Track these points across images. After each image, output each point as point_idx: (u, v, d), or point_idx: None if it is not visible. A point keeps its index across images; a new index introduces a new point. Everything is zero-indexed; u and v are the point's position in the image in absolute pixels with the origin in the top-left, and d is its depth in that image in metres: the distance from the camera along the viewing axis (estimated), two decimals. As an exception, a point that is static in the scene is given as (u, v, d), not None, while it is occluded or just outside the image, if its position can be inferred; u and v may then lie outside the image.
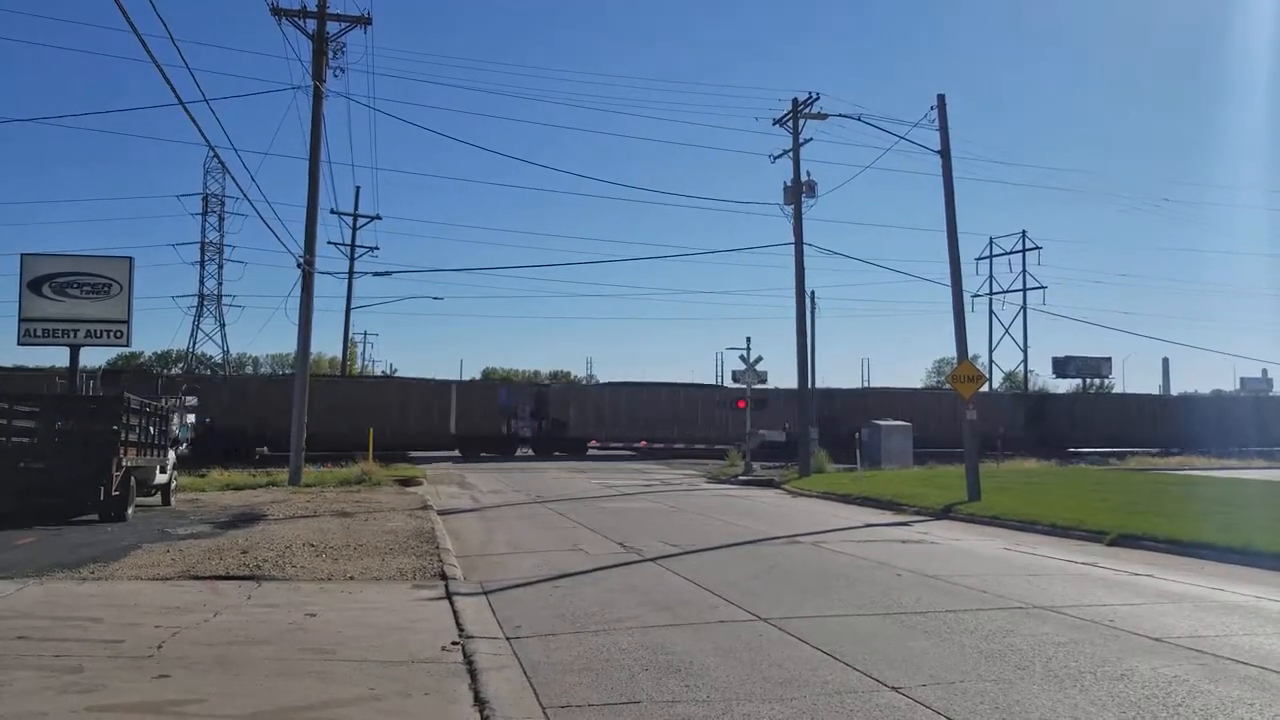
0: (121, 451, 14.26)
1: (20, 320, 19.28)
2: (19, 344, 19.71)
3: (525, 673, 6.20)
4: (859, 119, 25.03)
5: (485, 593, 9.19)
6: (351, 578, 9.50)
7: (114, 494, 14.00)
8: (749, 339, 31.82)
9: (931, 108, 22.46)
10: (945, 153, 22.44)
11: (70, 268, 19.68)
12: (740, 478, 28.75)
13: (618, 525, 15.43)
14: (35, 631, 6.83)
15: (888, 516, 18.10)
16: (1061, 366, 56.64)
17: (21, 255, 19.46)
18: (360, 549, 11.42)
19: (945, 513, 18.14)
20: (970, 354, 23.30)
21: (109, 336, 19.97)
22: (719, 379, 70.03)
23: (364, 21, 23.76)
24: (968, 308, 23.24)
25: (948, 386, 29.72)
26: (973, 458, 20.30)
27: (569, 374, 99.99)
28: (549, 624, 7.79)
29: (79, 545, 11.52)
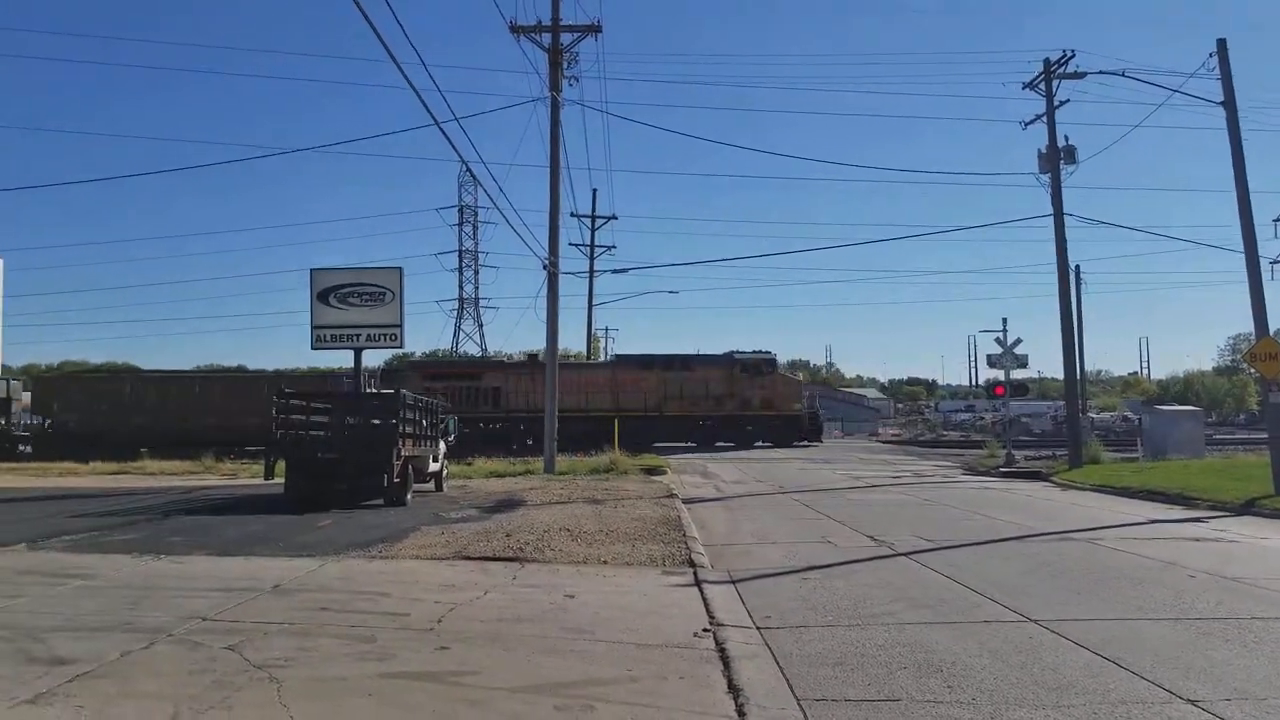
0: (400, 443, 15.72)
1: (313, 328, 21.79)
2: (312, 348, 22.29)
3: (777, 663, 6.20)
4: (1123, 74, 22.88)
5: (733, 581, 9.27)
6: (605, 562, 9.91)
7: (395, 481, 15.47)
8: (1005, 320, 29.77)
9: (1210, 54, 20.06)
10: (1229, 104, 19.96)
11: (351, 279, 21.96)
12: (1000, 469, 27.13)
13: (866, 517, 15.05)
14: (335, 604, 7.68)
15: (1176, 512, 16.40)
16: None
17: (311, 270, 21.99)
18: (612, 535, 11.89)
19: (1247, 508, 16.17)
20: (1273, 328, 20.56)
21: (385, 339, 22.18)
22: (972, 365, 66.43)
23: (595, 30, 24.65)
24: (1266, 275, 20.52)
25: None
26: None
27: (808, 363, 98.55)
28: (799, 615, 7.73)
29: (368, 527, 12.84)
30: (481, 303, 79.61)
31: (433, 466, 18.57)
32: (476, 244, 78.13)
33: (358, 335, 21.90)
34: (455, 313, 78.97)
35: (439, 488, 18.96)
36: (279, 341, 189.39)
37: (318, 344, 22.40)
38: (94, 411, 33.71)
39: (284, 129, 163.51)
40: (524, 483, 20.53)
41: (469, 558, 10.12)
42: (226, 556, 10.33)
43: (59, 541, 11.60)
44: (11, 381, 34.93)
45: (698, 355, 36.33)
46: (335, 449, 16.36)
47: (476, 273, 78.96)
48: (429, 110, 15.19)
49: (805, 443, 36.85)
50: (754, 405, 34.68)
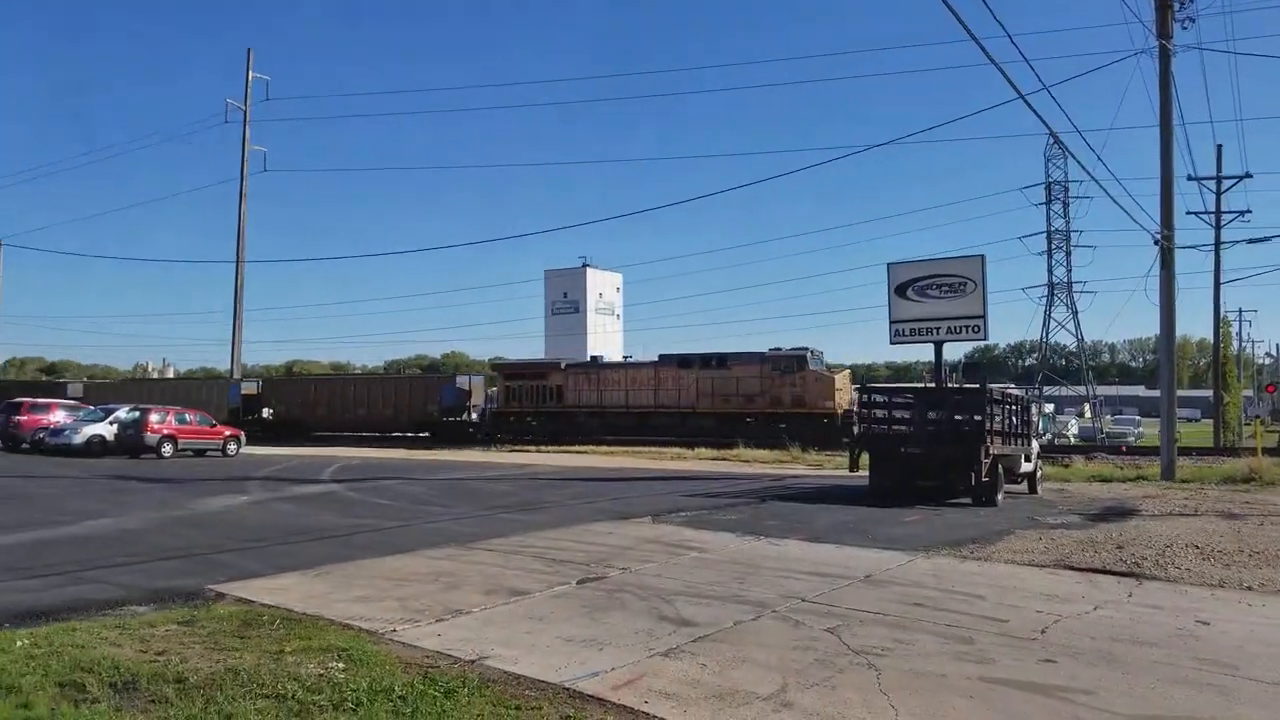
0: (988, 440, 15.33)
1: (891, 322, 22.33)
2: (890, 343, 22.83)
3: None
4: None
5: None
6: (1249, 588, 8.55)
7: (983, 480, 15.13)
8: None
9: None
10: None
11: (928, 271, 22.02)
12: None
13: None
14: (927, 600, 7.78)
15: None
16: None
17: (888, 265, 22.53)
18: (1257, 556, 10.21)
19: None
20: None
21: (966, 332, 21.80)
22: None
23: (1218, -49, 21.42)
24: None
25: None
26: None
27: None
28: None
29: (956, 526, 12.78)
30: (1075, 287, 74.01)
31: (1024, 467, 17.78)
32: (1068, 222, 72.79)
33: (937, 328, 21.88)
34: (1044, 300, 74.67)
35: (1032, 490, 18.08)
36: (855, 336, 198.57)
37: (896, 339, 22.88)
38: (295, 405, 43.19)
39: (858, 126, 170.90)
40: (1135, 489, 18.63)
41: (1073, 567, 9.50)
42: (818, 543, 11.10)
43: (676, 517, 13.58)
44: (260, 381, 47.39)
45: (735, 353, 36.86)
46: (918, 444, 16.57)
47: (1068, 254, 73.54)
48: (1012, 84, 14.60)
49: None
50: (785, 403, 34.74)
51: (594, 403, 38.32)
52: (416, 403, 40.80)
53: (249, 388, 45.74)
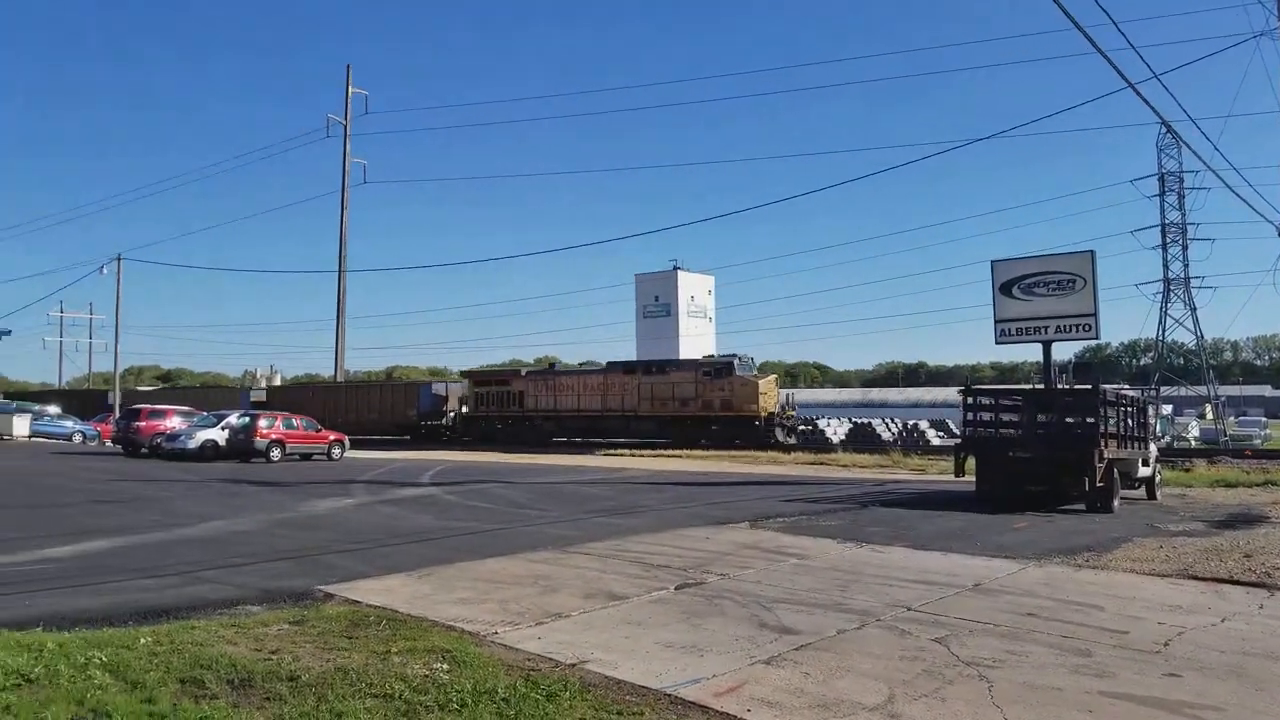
0: (1102, 443, 14.76)
1: (996, 321, 21.70)
2: (996, 343, 22.20)
3: None
4: None
5: None
6: (1396, 603, 8.01)
7: (1098, 485, 14.57)
8: None
9: None
10: None
11: (1036, 268, 21.31)
12: None
13: None
14: (1041, 610, 7.52)
15: None
16: None
17: (991, 262, 21.89)
18: (1405, 569, 9.56)
19: None
20: None
21: (1077, 330, 21.03)
22: None
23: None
24: None
25: None
26: None
27: None
28: None
29: (1069, 533, 12.34)
30: (1193, 282, 70.78)
31: (1142, 471, 17.06)
32: (1184, 215, 69.69)
33: (1045, 327, 21.18)
34: (1160, 296, 71.61)
35: (1151, 495, 17.33)
36: (961, 336, 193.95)
37: (1002, 338, 22.23)
38: (295, 410, 44.74)
39: (957, 121, 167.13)
40: (1263, 495, 17.71)
41: (1197, 577, 9.07)
42: (923, 550, 10.86)
43: (774, 523, 13.46)
44: (266, 390, 51.99)
45: (673, 360, 41.44)
46: (1028, 448, 16.07)
47: (1185, 248, 70.37)
48: (1121, 73, 14.02)
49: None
50: (715, 406, 37.25)
51: (550, 407, 41.12)
52: (398, 407, 44.49)
53: (258, 395, 50.29)
